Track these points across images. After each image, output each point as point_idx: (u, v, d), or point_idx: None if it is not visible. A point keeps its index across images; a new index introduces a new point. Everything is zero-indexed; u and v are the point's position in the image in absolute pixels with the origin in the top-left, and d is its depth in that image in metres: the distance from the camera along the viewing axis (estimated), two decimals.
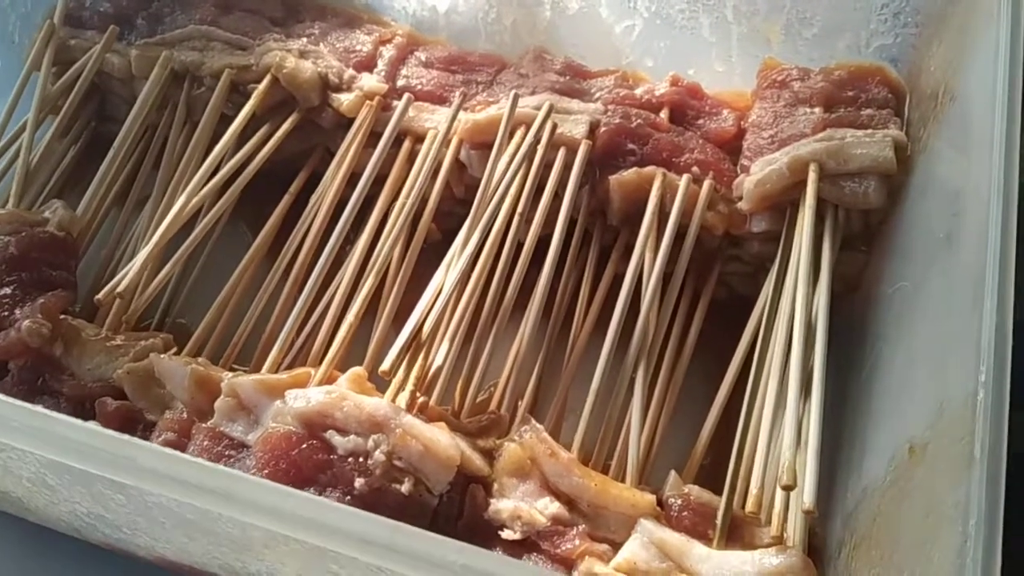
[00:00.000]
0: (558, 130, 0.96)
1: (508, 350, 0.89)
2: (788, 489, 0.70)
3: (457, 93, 1.02)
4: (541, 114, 0.94)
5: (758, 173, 0.92)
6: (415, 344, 0.80)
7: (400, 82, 1.07)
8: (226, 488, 0.53)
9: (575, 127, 0.98)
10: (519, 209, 0.91)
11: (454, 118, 0.96)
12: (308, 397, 0.75)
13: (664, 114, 1.01)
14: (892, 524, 0.63)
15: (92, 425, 0.58)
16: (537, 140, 0.93)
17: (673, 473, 0.80)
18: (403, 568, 0.51)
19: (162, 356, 0.83)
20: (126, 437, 0.55)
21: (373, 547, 0.52)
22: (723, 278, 0.98)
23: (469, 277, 0.86)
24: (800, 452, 0.73)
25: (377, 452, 0.72)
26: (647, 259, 0.90)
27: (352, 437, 0.73)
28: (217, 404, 0.78)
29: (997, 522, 0.50)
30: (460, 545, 0.52)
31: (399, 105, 0.98)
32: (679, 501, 0.77)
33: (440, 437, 0.74)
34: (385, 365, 0.77)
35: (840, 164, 0.89)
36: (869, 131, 0.91)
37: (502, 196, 0.89)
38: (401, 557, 0.52)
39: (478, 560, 0.52)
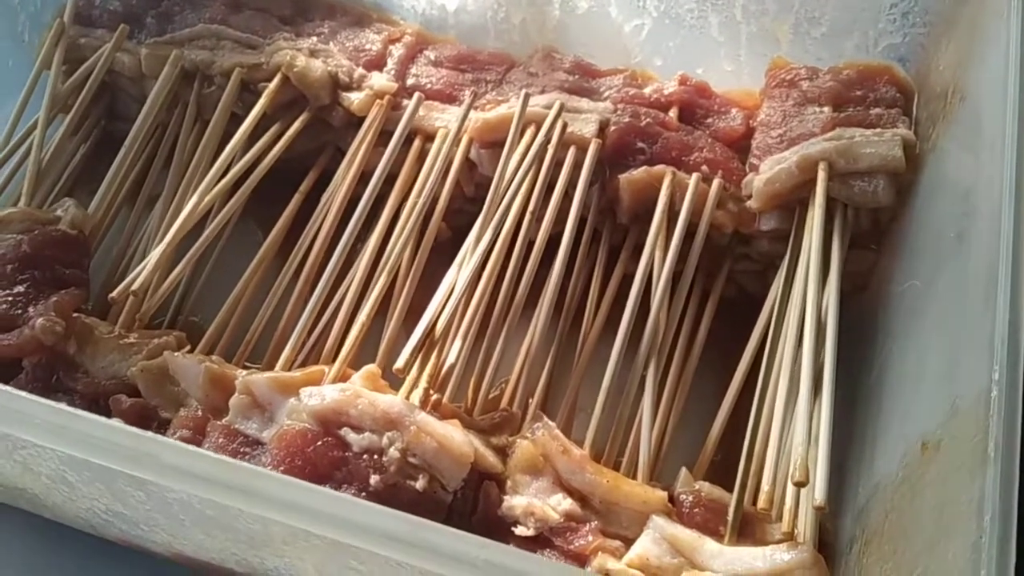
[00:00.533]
0: (568, 129, 0.97)
1: (519, 348, 0.89)
2: (800, 485, 0.71)
3: (467, 92, 1.02)
4: (552, 113, 0.94)
5: (767, 172, 0.92)
6: (428, 342, 0.81)
7: (410, 81, 1.07)
8: (249, 485, 0.53)
9: (585, 126, 0.98)
10: (530, 208, 0.91)
11: (465, 117, 0.96)
12: (323, 395, 0.75)
13: (673, 113, 1.01)
14: (905, 520, 0.64)
15: (115, 422, 0.59)
16: (548, 139, 0.93)
17: (684, 470, 0.80)
18: (425, 563, 0.52)
19: (176, 354, 0.83)
20: (149, 434, 0.56)
21: (395, 543, 0.52)
22: (732, 276, 0.99)
23: (481, 275, 0.86)
24: (811, 449, 0.73)
25: (392, 449, 0.73)
26: (657, 257, 0.91)
27: (367, 434, 0.74)
28: (232, 402, 0.79)
29: (1011, 518, 0.50)
30: (483, 541, 0.53)
31: (410, 104, 0.99)
32: (690, 498, 0.78)
33: (454, 434, 0.75)
34: (399, 363, 0.77)
35: (849, 163, 0.89)
36: (878, 130, 0.91)
37: (513, 195, 0.90)
38: (423, 552, 0.52)
39: (501, 556, 0.52)
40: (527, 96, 0.96)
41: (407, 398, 0.77)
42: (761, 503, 0.73)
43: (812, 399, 0.76)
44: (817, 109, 0.97)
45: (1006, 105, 0.70)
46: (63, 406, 0.58)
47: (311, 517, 0.53)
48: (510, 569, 0.52)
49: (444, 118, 1.02)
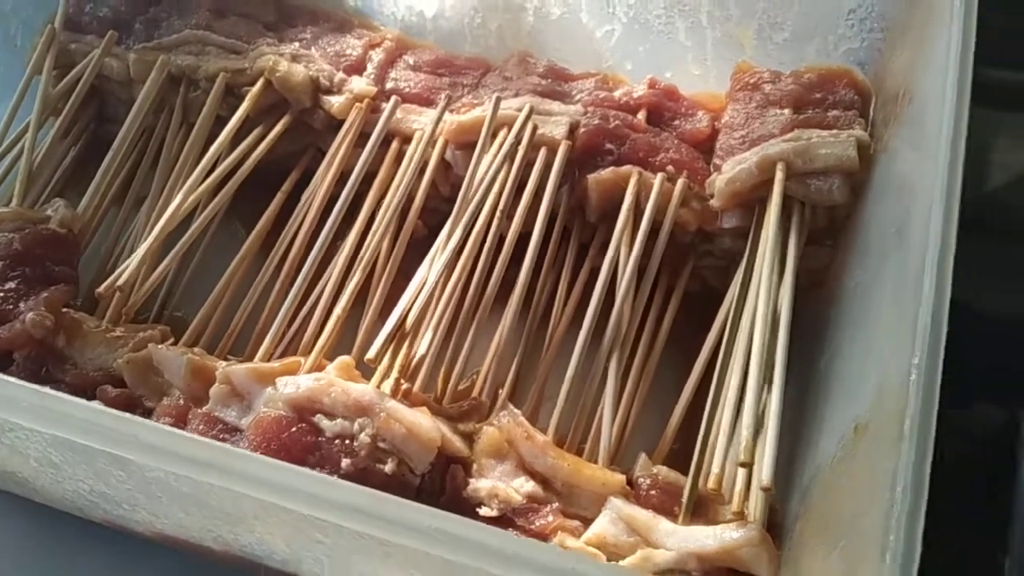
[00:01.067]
0: (539, 131, 1.00)
1: (490, 341, 0.93)
2: (745, 466, 0.75)
3: (442, 95, 1.06)
4: (522, 116, 0.98)
5: (729, 172, 0.96)
6: (400, 334, 0.84)
7: (389, 85, 1.11)
8: (219, 461, 0.57)
9: (555, 128, 1.02)
10: (500, 206, 0.95)
11: (439, 119, 1.01)
12: (298, 383, 0.79)
13: (641, 115, 1.05)
14: (837, 497, 0.68)
15: (96, 405, 0.62)
16: (518, 141, 0.97)
17: (643, 455, 0.84)
18: (382, 533, 0.56)
19: (160, 346, 0.87)
20: (128, 415, 0.60)
21: (355, 514, 0.56)
22: (697, 272, 1.02)
23: (452, 271, 0.90)
24: (762, 433, 0.77)
25: (362, 435, 0.77)
26: (622, 253, 0.95)
27: (339, 421, 0.78)
28: (212, 391, 0.83)
29: (923, 490, 0.54)
30: (434, 511, 0.57)
31: (387, 107, 1.03)
32: (647, 480, 0.82)
33: (422, 421, 0.78)
34: (371, 353, 0.81)
35: (806, 163, 0.93)
36: (835, 131, 0.95)
37: (484, 194, 0.94)
38: (380, 523, 0.56)
39: (450, 524, 0.56)
40: (498, 100, 1.00)
41: (379, 387, 0.81)
42: (711, 484, 0.77)
43: (761, 387, 0.80)
44: (778, 111, 1.01)
45: (943, 105, 0.74)
46: (47, 390, 0.62)
47: (277, 491, 0.57)
48: (457, 536, 0.56)
49: (421, 121, 1.06)
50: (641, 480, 0.82)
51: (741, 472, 0.78)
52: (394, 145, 1.05)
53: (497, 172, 0.96)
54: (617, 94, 1.07)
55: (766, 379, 0.81)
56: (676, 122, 1.07)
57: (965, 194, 0.69)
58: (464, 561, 0.57)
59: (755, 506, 0.77)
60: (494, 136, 1.00)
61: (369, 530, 0.56)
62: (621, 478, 0.81)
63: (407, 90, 1.10)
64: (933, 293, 0.62)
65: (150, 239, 0.94)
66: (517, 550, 0.56)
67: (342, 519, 0.56)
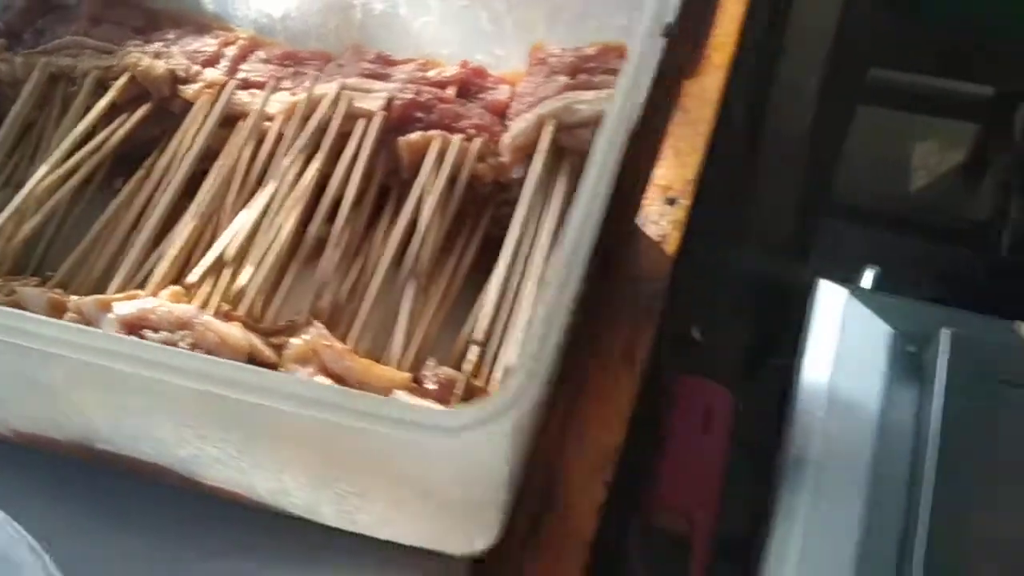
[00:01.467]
0: (359, 104, 1.19)
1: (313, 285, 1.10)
2: (477, 344, 0.93)
3: (272, 79, 1.24)
4: (333, 91, 1.17)
5: (513, 130, 1.15)
6: (222, 267, 1.02)
7: (240, 75, 1.29)
8: (24, 327, 0.74)
9: (373, 102, 1.20)
10: (317, 165, 1.13)
11: (267, 97, 1.19)
12: (131, 305, 0.96)
13: (451, 90, 1.23)
14: None
15: None
16: (332, 112, 1.16)
17: (431, 359, 1.01)
18: (183, 381, 0.70)
19: (25, 288, 1.04)
20: None
21: (151, 365, 0.71)
22: (496, 218, 1.20)
23: (273, 216, 1.08)
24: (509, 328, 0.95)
25: (182, 343, 0.94)
26: (425, 201, 1.13)
27: (163, 333, 0.94)
28: (64, 319, 0.99)
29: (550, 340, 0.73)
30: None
31: (226, 90, 1.21)
32: (430, 377, 0.99)
33: (233, 331, 0.95)
34: (192, 278, 0.99)
35: (571, 117, 1.11)
36: (597, 91, 1.14)
37: (304, 153, 1.12)
38: (184, 375, 0.70)
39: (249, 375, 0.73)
40: (315, 79, 1.18)
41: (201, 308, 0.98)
42: (465, 367, 0.94)
43: (512, 295, 0.99)
44: (558, 79, 1.19)
45: (629, 67, 0.93)
46: None
47: (72, 346, 0.73)
48: (239, 380, 0.71)
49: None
50: (425, 376, 0.99)
51: (502, 366, 0.96)
52: (240, 124, 1.23)
53: (318, 137, 1.14)
54: (431, 73, 1.25)
55: (518, 288, 0.99)
56: (481, 95, 1.25)
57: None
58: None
59: None
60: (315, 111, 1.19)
61: (166, 376, 0.71)
62: (407, 376, 0.98)
63: (257, 79, 1.28)
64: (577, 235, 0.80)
65: (16, 200, 1.11)
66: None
67: (136, 367, 0.72)
